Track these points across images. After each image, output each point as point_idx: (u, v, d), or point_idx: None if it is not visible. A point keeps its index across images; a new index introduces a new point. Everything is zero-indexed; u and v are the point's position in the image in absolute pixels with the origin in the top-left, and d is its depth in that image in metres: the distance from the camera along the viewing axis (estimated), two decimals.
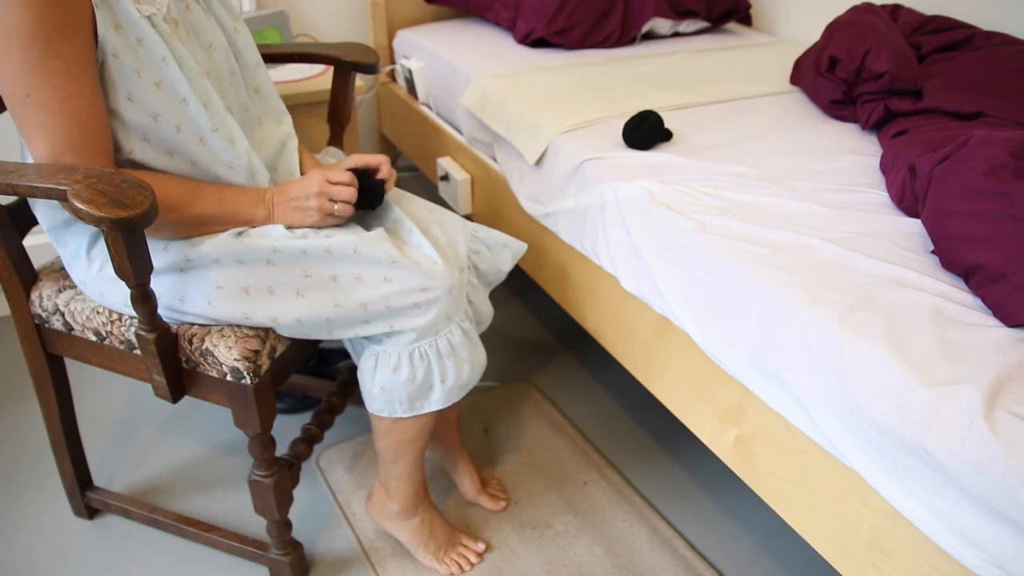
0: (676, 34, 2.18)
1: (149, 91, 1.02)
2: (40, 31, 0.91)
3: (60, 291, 1.23)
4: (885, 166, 1.32)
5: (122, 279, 1.01)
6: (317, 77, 1.92)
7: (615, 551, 1.45)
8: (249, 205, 1.13)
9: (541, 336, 2.05)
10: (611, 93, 1.69)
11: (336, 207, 1.14)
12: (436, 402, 1.22)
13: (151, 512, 1.44)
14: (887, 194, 1.27)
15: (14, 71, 0.94)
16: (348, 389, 1.51)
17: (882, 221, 1.19)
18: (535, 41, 2.03)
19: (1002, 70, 1.49)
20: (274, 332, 1.17)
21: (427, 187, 2.60)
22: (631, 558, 1.43)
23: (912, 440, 0.87)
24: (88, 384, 1.82)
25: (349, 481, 1.58)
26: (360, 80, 1.92)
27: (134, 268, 0.99)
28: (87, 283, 1.17)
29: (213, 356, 1.12)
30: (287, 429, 1.70)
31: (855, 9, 1.74)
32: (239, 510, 1.52)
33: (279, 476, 1.25)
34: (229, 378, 1.14)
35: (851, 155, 1.42)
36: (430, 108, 2.12)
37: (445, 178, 1.96)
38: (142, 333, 1.09)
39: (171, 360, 1.13)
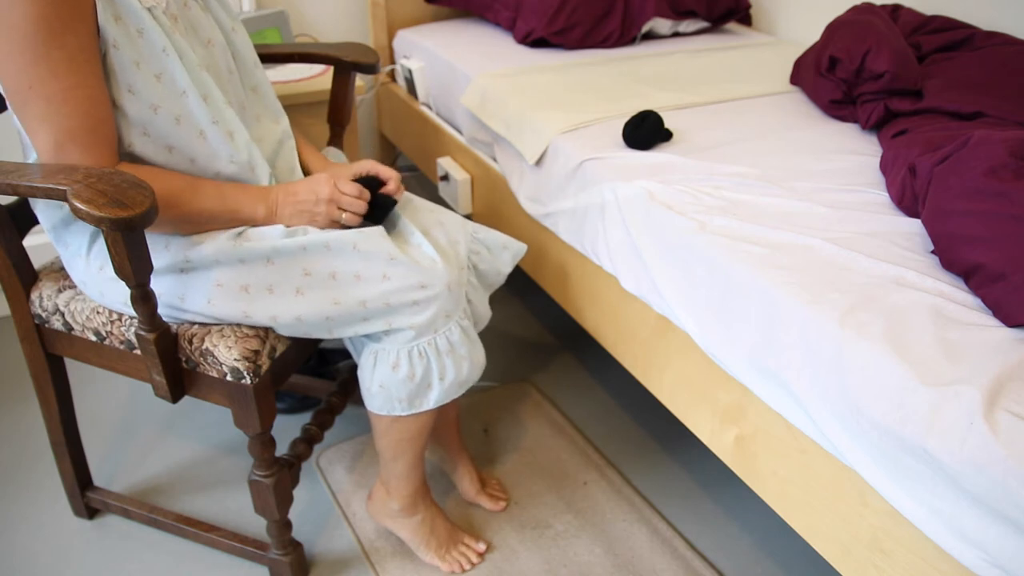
0: (676, 34, 2.18)
1: (149, 83, 1.03)
2: (43, 22, 0.92)
3: (60, 291, 1.23)
4: (885, 166, 1.32)
5: (122, 279, 1.01)
6: (317, 77, 1.92)
7: (615, 551, 1.45)
8: (250, 202, 1.13)
9: (541, 336, 2.05)
10: (611, 93, 1.69)
11: (344, 216, 1.15)
12: (435, 400, 1.22)
13: (151, 512, 1.44)
14: (887, 194, 1.27)
15: (16, 64, 0.94)
16: (348, 389, 1.51)
17: (882, 221, 1.19)
18: (535, 41, 2.03)
19: (1002, 70, 1.49)
20: (274, 332, 1.17)
21: (427, 187, 2.60)
22: (631, 558, 1.43)
23: (912, 440, 0.87)
24: (88, 384, 1.82)
25: (349, 481, 1.58)
26: (360, 80, 1.92)
27: (134, 268, 0.99)
28: (87, 283, 1.17)
29: (213, 356, 1.12)
30: (287, 429, 1.70)
31: (855, 9, 1.74)
32: (239, 510, 1.52)
33: (279, 476, 1.25)
34: (229, 378, 1.14)
35: (851, 155, 1.42)
36: (430, 108, 2.12)
37: (445, 178, 1.96)
38: (142, 333, 1.09)
39: (171, 360, 1.13)
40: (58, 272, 1.27)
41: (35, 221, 1.24)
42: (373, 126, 2.54)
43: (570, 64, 1.89)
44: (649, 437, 1.72)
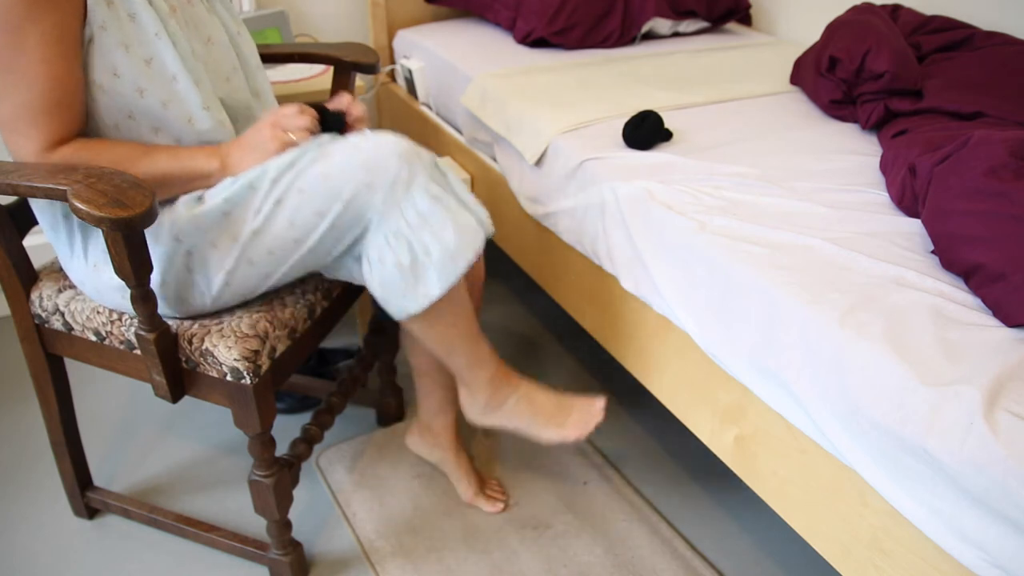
0: (676, 34, 2.18)
1: (137, 66, 1.03)
2: None
3: (60, 291, 1.23)
4: (885, 166, 1.32)
5: (122, 279, 1.01)
6: (317, 77, 1.92)
7: (615, 551, 1.45)
8: (202, 158, 1.09)
9: (541, 336, 2.05)
10: (611, 93, 1.69)
11: (293, 136, 1.09)
12: (436, 281, 1.11)
13: (151, 512, 1.44)
14: (887, 194, 1.27)
15: None
16: (348, 389, 1.51)
17: (882, 221, 1.19)
18: (535, 41, 2.03)
19: (1002, 70, 1.49)
20: (274, 332, 1.17)
21: None
22: (631, 558, 1.43)
23: (912, 440, 0.87)
24: (88, 384, 1.82)
25: (349, 481, 1.58)
26: (360, 80, 1.92)
27: (134, 268, 0.99)
28: (84, 282, 1.17)
29: (213, 356, 1.12)
30: (287, 429, 1.70)
31: (855, 9, 1.74)
32: (239, 510, 1.52)
33: (279, 476, 1.25)
34: (229, 378, 1.14)
35: (851, 155, 1.42)
36: (430, 108, 2.12)
37: None
38: (142, 333, 1.09)
39: (171, 360, 1.13)
40: (58, 272, 1.27)
41: (35, 221, 1.24)
42: (373, 126, 2.54)
43: (570, 64, 1.89)
44: (649, 437, 1.72)
